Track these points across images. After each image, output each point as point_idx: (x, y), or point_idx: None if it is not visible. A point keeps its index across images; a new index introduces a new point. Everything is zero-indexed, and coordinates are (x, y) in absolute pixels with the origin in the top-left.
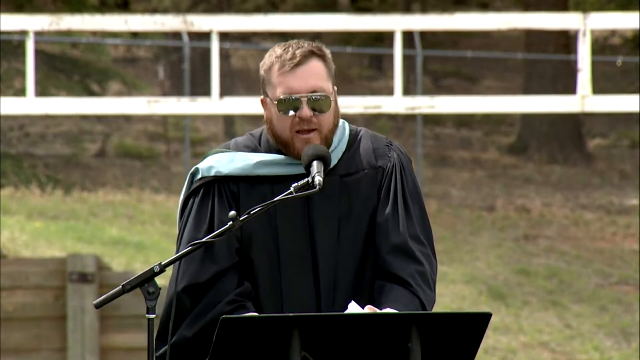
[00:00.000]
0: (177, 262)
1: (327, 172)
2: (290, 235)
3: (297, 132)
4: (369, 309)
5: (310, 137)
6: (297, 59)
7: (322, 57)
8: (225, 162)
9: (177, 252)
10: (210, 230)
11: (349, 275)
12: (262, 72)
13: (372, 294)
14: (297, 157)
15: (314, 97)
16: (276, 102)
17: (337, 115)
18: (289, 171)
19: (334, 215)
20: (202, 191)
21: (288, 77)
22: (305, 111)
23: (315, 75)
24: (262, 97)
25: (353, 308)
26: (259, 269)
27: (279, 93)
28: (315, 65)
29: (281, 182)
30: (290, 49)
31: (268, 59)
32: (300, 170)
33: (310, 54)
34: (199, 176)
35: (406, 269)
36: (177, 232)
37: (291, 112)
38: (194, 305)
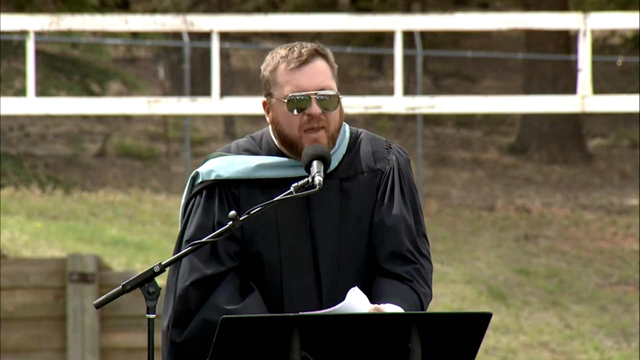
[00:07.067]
0: (178, 262)
1: (327, 175)
2: (291, 237)
3: (306, 131)
4: (374, 309)
5: (318, 136)
6: (304, 57)
7: (326, 57)
8: (225, 165)
9: (175, 253)
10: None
11: (351, 276)
12: (265, 73)
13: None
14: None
15: (322, 95)
16: (285, 101)
17: (342, 115)
18: (289, 174)
19: (334, 218)
20: (204, 193)
21: (296, 75)
22: (315, 108)
23: (322, 74)
24: (264, 99)
25: (353, 294)
26: (261, 270)
27: (287, 91)
28: (321, 64)
29: (282, 184)
30: (295, 48)
31: (272, 60)
32: (302, 172)
33: (316, 52)
34: (200, 180)
35: (403, 268)
36: (179, 234)
37: (298, 111)
38: (199, 303)
